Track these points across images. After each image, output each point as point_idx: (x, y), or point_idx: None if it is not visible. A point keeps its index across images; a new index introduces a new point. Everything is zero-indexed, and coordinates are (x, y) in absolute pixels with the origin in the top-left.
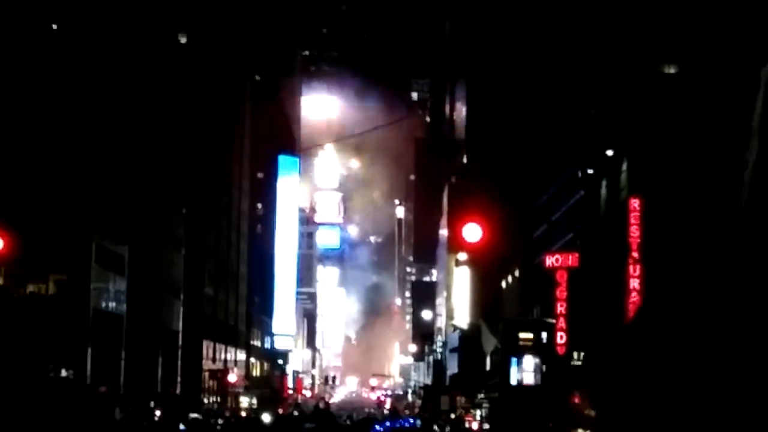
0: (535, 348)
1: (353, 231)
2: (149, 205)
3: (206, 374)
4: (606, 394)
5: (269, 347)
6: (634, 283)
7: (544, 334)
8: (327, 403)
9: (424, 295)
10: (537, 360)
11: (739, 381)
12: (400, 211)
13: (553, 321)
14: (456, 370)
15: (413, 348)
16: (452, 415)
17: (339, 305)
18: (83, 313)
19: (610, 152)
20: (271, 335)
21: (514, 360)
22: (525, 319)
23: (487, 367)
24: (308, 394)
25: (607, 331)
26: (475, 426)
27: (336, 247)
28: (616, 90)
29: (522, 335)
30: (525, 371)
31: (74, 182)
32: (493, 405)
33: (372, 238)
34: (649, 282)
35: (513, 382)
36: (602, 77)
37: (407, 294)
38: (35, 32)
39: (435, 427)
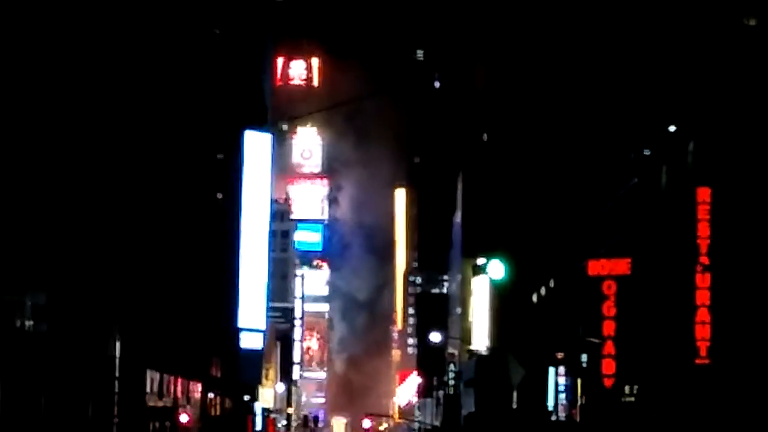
0: (572, 373)
1: (341, 228)
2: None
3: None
4: None
5: (231, 379)
6: (703, 297)
7: (584, 357)
8: None
9: (432, 311)
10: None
11: None
12: (402, 203)
13: (596, 340)
14: (472, 408)
15: (418, 380)
16: None
17: (322, 324)
18: None
19: (672, 128)
20: (235, 364)
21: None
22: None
23: (514, 404)
24: None
25: (669, 361)
26: None
27: (318, 248)
28: (680, 47)
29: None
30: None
31: None
32: None
33: (365, 238)
34: (723, 296)
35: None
36: (662, 30)
37: (411, 310)
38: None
39: None
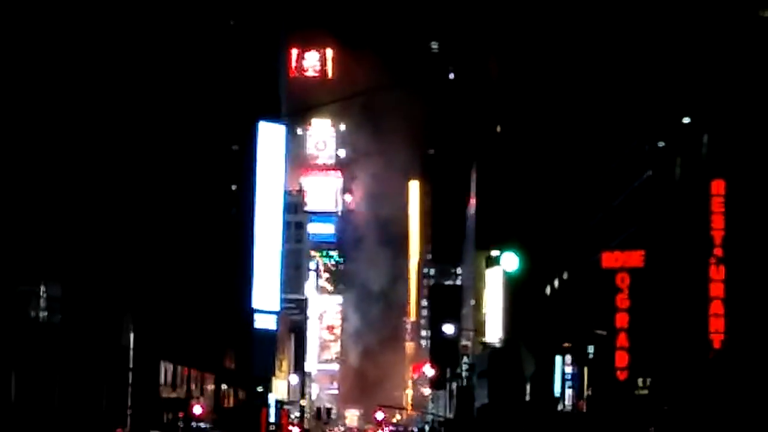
0: (578, 362)
1: (355, 221)
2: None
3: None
4: None
5: (245, 370)
6: (717, 289)
7: (591, 348)
8: None
9: (445, 303)
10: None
11: None
12: (415, 195)
13: (603, 333)
14: (486, 400)
15: (431, 372)
16: None
17: (336, 316)
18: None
19: (686, 120)
20: (248, 355)
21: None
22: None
23: (527, 396)
24: (296, 431)
25: (683, 353)
26: None
27: (331, 238)
28: (694, 39)
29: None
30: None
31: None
32: None
33: (379, 229)
34: (737, 288)
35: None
36: (677, 20)
37: (424, 302)
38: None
39: None
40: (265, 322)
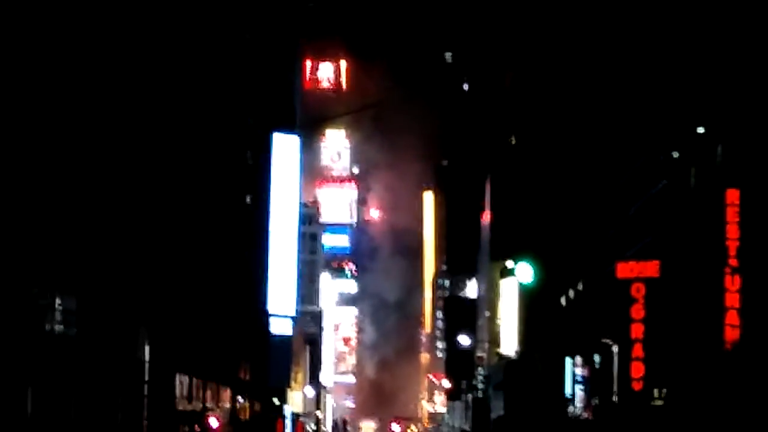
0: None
1: (370, 232)
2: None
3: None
4: None
5: (261, 383)
6: (733, 299)
7: (596, 357)
8: None
9: (460, 314)
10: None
11: None
12: (430, 206)
13: (609, 342)
14: (502, 412)
15: (446, 384)
16: None
17: (351, 328)
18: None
19: (701, 130)
20: (264, 362)
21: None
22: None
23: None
24: None
25: (698, 363)
26: None
27: (346, 251)
28: (708, 48)
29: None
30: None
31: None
32: None
33: (394, 240)
34: (752, 298)
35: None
36: (690, 32)
37: (439, 314)
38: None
39: None
40: (281, 326)
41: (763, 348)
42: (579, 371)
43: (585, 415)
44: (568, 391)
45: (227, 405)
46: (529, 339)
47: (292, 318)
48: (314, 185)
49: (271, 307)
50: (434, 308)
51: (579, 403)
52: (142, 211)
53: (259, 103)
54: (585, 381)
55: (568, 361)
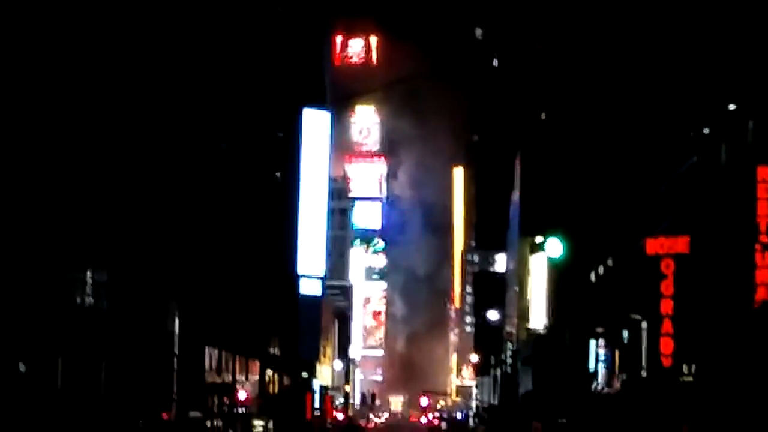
0: (611, 345)
1: (400, 206)
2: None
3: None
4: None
5: (290, 356)
6: (764, 276)
7: (625, 333)
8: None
9: (489, 290)
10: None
11: None
12: (460, 182)
13: (638, 318)
14: (530, 387)
15: (475, 358)
16: None
17: (380, 302)
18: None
19: (732, 107)
20: (294, 328)
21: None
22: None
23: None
24: (340, 416)
25: (728, 340)
26: None
27: (376, 229)
28: (740, 24)
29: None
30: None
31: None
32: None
33: (424, 215)
34: None
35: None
36: (721, 7)
37: (468, 288)
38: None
39: None
40: (310, 287)
41: None
42: (602, 351)
43: (607, 389)
44: (591, 366)
45: (256, 378)
46: (559, 314)
47: (321, 279)
48: (344, 160)
49: (301, 268)
50: (463, 283)
51: (601, 379)
52: (174, 187)
53: (289, 79)
54: (607, 359)
55: (591, 342)
